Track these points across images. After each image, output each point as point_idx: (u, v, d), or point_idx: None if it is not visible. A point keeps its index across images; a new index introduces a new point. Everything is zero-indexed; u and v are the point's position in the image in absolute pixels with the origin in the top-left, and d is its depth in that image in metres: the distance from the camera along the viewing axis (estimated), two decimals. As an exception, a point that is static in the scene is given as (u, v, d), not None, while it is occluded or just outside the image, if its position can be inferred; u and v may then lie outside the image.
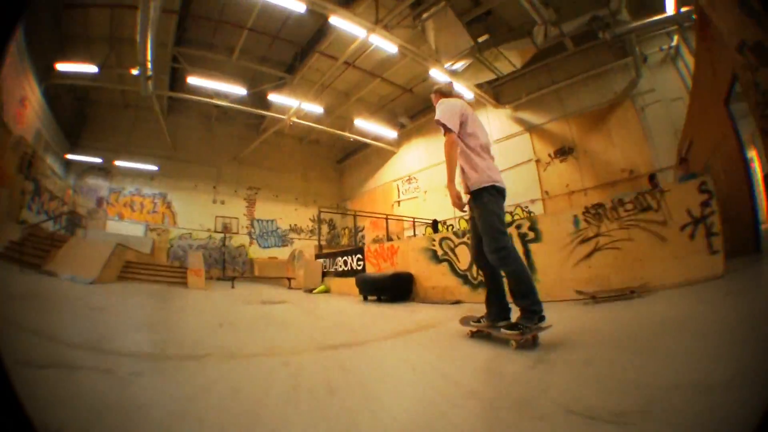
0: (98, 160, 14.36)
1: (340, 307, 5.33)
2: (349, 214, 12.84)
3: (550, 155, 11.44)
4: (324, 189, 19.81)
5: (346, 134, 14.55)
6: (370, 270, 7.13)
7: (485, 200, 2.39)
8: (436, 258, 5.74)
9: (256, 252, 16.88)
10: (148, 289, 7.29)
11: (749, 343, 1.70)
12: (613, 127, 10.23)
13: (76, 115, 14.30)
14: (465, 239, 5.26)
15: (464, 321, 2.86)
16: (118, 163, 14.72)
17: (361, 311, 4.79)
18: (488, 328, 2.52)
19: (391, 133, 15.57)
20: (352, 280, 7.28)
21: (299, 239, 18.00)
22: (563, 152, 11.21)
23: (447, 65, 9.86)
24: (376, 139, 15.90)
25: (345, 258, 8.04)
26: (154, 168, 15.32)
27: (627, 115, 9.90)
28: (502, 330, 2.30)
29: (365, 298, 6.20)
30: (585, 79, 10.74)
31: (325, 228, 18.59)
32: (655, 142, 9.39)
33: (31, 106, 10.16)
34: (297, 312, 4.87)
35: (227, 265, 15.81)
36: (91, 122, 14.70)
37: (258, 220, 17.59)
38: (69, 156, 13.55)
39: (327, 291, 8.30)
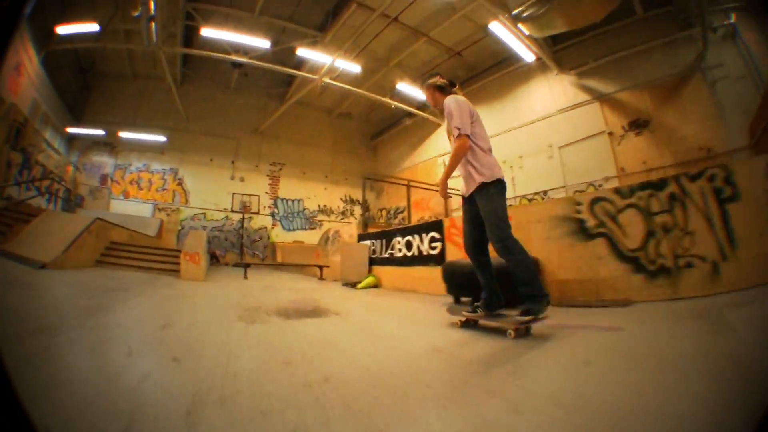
0: (101, 133, 13.01)
1: (447, 335, 2.54)
2: (401, 183, 10.97)
3: (623, 128, 9.85)
4: (356, 166, 17.68)
5: (387, 100, 12.79)
6: (454, 254, 4.96)
7: (491, 192, 2.53)
8: (583, 233, 3.71)
9: (279, 235, 15.14)
10: (115, 281, 4.91)
11: None
12: (686, 101, 8.91)
13: (81, 87, 13.10)
14: (633, 199, 3.52)
15: (452, 309, 2.90)
16: (123, 134, 13.27)
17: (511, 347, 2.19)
18: (485, 318, 2.58)
19: (436, 102, 13.76)
20: (419, 270, 5.62)
21: (329, 221, 16.20)
22: (638, 125, 9.66)
23: (515, 12, 8.25)
24: (420, 109, 13.99)
25: (408, 238, 5.83)
26: (163, 139, 13.78)
27: (699, 89, 8.69)
28: (516, 317, 2.36)
29: (457, 300, 4.16)
30: (653, 47, 9.34)
31: (357, 209, 16.74)
32: (728, 120, 8.21)
33: (27, 73, 9.23)
34: (362, 352, 2.11)
35: (245, 250, 14.24)
36: (97, 95, 13.37)
37: (282, 200, 15.83)
38: (69, 129, 12.30)
39: (376, 285, 6.44)
